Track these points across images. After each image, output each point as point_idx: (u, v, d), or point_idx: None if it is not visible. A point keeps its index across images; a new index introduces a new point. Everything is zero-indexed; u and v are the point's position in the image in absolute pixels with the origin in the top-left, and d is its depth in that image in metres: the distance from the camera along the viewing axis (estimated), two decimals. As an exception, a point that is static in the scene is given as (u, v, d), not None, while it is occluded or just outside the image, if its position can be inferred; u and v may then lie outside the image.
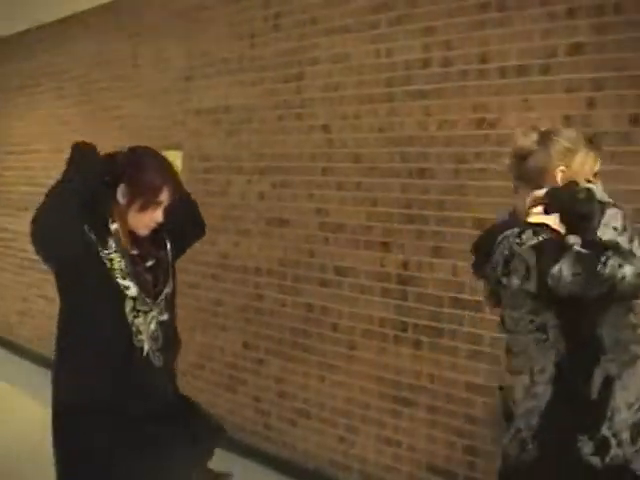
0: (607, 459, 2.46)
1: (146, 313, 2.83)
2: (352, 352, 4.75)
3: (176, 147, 5.80)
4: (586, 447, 2.47)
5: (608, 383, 2.49)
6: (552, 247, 2.48)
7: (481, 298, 3.94)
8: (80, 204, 2.66)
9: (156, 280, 2.91)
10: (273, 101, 5.28)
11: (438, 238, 4.23)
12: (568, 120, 3.73)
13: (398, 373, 4.49)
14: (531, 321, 2.58)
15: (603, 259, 2.36)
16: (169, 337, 2.93)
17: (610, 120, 3.62)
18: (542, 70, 3.85)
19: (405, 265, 4.42)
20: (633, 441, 2.48)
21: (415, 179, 4.37)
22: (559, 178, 2.68)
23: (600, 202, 2.55)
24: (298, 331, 5.11)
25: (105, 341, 2.76)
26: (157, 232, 2.92)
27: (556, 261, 2.42)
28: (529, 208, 2.67)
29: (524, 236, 2.55)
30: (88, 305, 2.78)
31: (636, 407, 2.50)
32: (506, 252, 2.60)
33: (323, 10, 4.94)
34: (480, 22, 4.10)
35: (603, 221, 2.49)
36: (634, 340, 2.56)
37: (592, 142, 2.79)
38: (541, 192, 2.65)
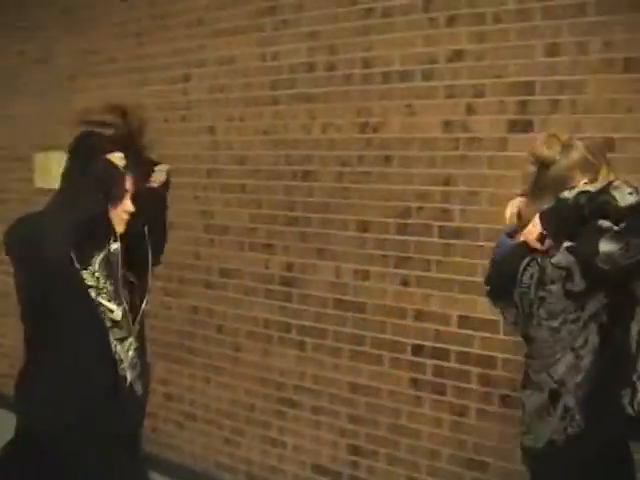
0: (635, 405, 2.53)
1: (124, 340, 2.79)
2: (237, 354, 4.75)
3: (60, 147, 5.66)
4: (626, 399, 2.55)
5: None
6: (589, 236, 2.50)
7: (363, 299, 4.03)
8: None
9: (134, 297, 2.90)
10: (159, 102, 5.23)
11: (322, 240, 4.28)
12: (449, 125, 3.83)
13: (282, 374, 4.51)
14: (574, 320, 2.58)
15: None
16: (144, 363, 2.90)
17: (489, 126, 3.72)
18: (424, 76, 3.93)
19: (289, 267, 4.45)
20: None
21: (299, 182, 4.40)
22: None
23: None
24: (183, 333, 5.08)
25: (89, 372, 2.72)
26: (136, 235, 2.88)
27: (597, 245, 2.44)
28: None
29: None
30: (72, 334, 2.73)
31: None
32: (536, 268, 2.64)
33: (210, 12, 4.93)
34: (364, 27, 4.16)
35: (614, 192, 2.46)
36: None
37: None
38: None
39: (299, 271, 4.40)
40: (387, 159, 4.03)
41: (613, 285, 2.55)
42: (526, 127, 3.62)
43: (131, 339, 2.83)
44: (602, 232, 2.47)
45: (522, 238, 2.71)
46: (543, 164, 2.73)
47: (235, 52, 4.78)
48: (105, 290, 2.75)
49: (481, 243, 3.70)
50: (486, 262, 3.64)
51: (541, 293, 2.64)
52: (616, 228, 2.45)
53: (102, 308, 2.75)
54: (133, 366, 2.82)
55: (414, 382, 3.99)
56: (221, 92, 4.87)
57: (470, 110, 3.77)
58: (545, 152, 2.72)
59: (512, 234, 2.83)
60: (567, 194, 2.57)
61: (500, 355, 3.70)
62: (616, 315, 2.58)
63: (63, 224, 2.56)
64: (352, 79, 4.20)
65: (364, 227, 4.08)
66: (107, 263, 2.77)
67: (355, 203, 4.15)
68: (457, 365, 3.82)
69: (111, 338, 2.75)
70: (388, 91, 4.06)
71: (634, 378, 2.55)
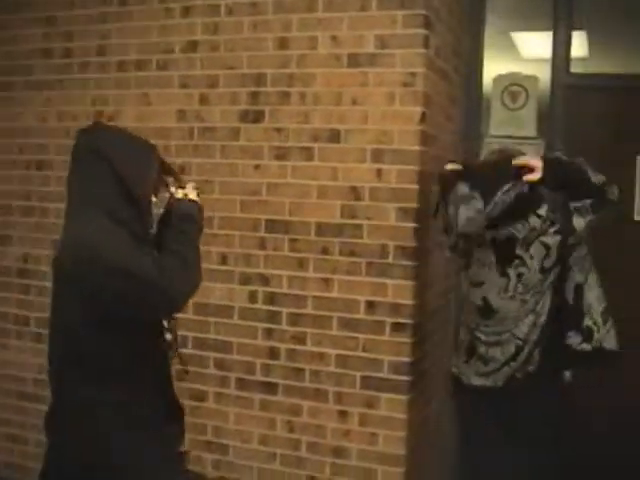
0: (594, 343, 3.13)
1: None
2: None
3: None
4: (575, 338, 3.14)
5: (578, 289, 3.15)
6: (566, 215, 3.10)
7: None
8: None
9: None
10: None
11: (59, 230, 4.17)
12: (183, 114, 3.87)
13: (22, 368, 4.37)
14: (539, 290, 3.14)
15: None
16: None
17: (221, 116, 3.80)
18: (160, 65, 3.95)
19: (25, 258, 4.32)
20: (604, 324, 3.15)
21: (34, 171, 4.28)
22: None
23: None
24: None
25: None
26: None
27: (572, 224, 3.11)
28: None
29: None
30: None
31: (602, 298, 3.17)
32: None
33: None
34: (101, 15, 4.11)
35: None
36: (588, 252, 3.20)
37: None
38: None
39: (35, 262, 4.28)
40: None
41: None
42: (258, 117, 3.73)
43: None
44: (577, 210, 3.04)
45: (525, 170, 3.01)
46: None
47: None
48: None
49: (215, 231, 3.78)
50: (224, 250, 3.77)
51: (521, 269, 3.09)
52: (587, 202, 3.03)
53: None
54: None
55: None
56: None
57: (204, 100, 3.84)
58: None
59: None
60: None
61: (235, 340, 3.79)
62: (560, 279, 3.14)
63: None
64: (88, 67, 4.14)
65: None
66: None
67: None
68: (195, 351, 3.87)
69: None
70: (124, 80, 4.04)
71: (586, 322, 3.15)
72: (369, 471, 3.58)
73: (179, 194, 2.61)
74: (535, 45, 4.28)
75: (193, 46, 3.87)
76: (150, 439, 2.45)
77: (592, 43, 4.29)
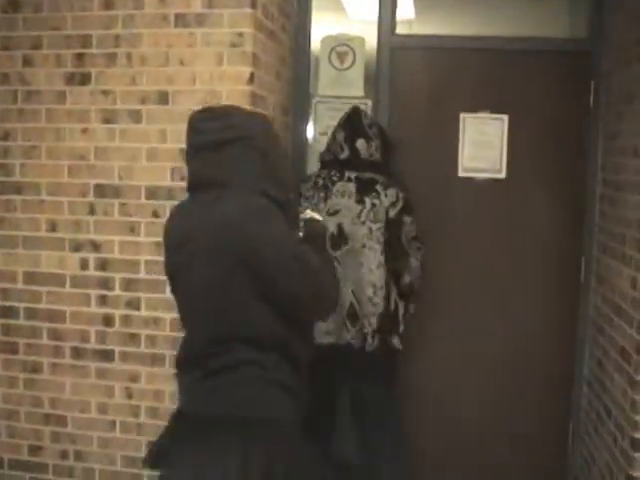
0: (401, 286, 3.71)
1: None
2: None
3: None
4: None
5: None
6: None
7: None
8: None
9: None
10: None
11: None
12: (6, 77, 3.72)
13: None
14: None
15: None
16: None
17: (45, 78, 3.68)
18: (-21, 26, 3.78)
19: None
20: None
21: None
22: None
23: None
24: None
25: None
26: None
27: None
28: None
29: None
30: None
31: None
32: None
33: None
34: None
35: None
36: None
37: None
38: None
39: None
40: None
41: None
42: (84, 80, 3.63)
43: None
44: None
45: None
46: None
47: None
48: None
49: (43, 197, 3.68)
50: (53, 216, 3.68)
51: (375, 201, 3.64)
52: None
53: None
54: None
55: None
56: None
57: (27, 62, 3.69)
58: None
59: None
60: None
61: (68, 308, 3.72)
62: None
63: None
64: None
65: None
66: None
67: None
68: (28, 322, 3.77)
69: None
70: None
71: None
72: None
73: (308, 214, 2.80)
74: (362, 6, 4.32)
75: (15, 6, 3.71)
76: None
77: (417, 5, 4.37)
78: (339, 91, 4.24)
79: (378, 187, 3.64)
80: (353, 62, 4.21)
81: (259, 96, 3.59)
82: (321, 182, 3.71)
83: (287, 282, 2.44)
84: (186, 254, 2.50)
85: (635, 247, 3.41)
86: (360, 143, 3.68)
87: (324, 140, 3.96)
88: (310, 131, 4.30)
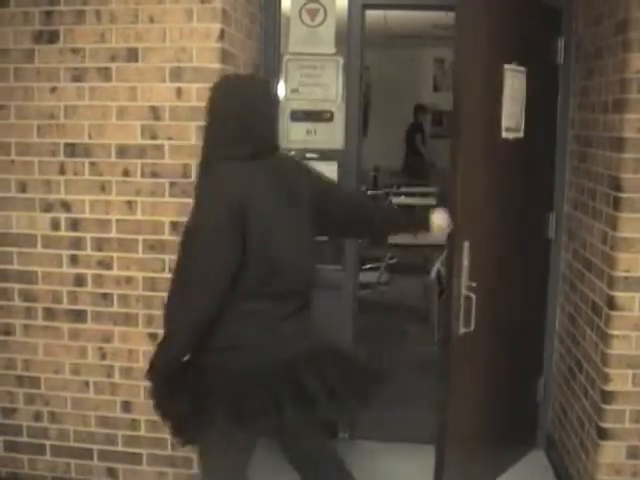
0: None
1: None
2: None
3: None
4: None
5: None
6: None
7: None
8: None
9: None
10: None
11: None
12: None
13: None
14: None
15: None
16: None
17: (13, 37, 3.62)
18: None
19: None
20: None
21: None
22: None
23: None
24: None
25: None
26: None
27: None
28: None
29: None
30: None
31: None
32: None
33: None
34: None
35: None
36: None
37: None
38: None
39: None
40: None
41: None
42: (52, 38, 3.59)
43: None
44: None
45: None
46: None
47: None
48: None
49: (13, 157, 3.65)
50: (22, 177, 3.65)
51: None
52: None
53: None
54: None
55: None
56: None
57: (-8, 21, 3.65)
58: None
59: None
60: None
61: (39, 269, 3.69)
62: None
63: None
64: None
65: None
66: None
67: None
68: (-1, 283, 3.76)
69: None
70: None
71: None
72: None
73: None
74: (332, -38, 4.28)
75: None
76: None
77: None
78: (310, 48, 4.20)
79: None
80: (324, 19, 4.17)
81: (229, 53, 3.57)
82: None
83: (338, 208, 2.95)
84: (276, 204, 2.67)
85: (605, 202, 3.43)
86: None
87: (295, 97, 3.94)
88: (281, 89, 4.26)
